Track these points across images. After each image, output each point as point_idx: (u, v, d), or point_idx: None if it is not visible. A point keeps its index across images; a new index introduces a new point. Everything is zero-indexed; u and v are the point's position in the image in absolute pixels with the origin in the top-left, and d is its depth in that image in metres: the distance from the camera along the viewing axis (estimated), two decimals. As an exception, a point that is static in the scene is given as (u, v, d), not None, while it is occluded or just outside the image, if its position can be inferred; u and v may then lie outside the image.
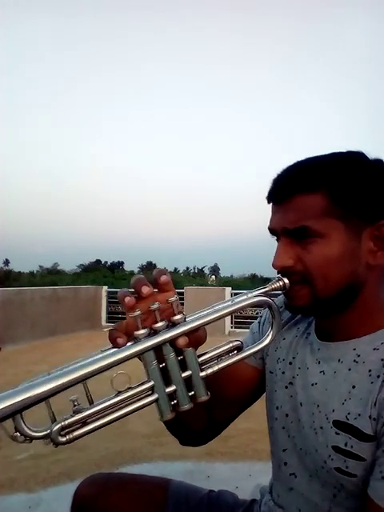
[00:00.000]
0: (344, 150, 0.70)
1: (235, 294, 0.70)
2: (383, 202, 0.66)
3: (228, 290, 7.89)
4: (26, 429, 0.54)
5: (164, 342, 0.59)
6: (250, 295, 0.66)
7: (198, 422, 0.83)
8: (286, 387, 0.76)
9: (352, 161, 0.68)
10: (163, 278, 0.61)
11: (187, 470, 2.33)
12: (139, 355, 0.58)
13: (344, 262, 0.65)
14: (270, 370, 0.81)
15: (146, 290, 0.59)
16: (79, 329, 7.67)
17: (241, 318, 8.00)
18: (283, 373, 0.77)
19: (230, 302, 0.65)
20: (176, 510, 0.86)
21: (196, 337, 0.62)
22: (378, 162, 0.69)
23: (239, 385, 0.84)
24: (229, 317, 7.78)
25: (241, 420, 0.90)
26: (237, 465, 2.43)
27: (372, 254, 0.66)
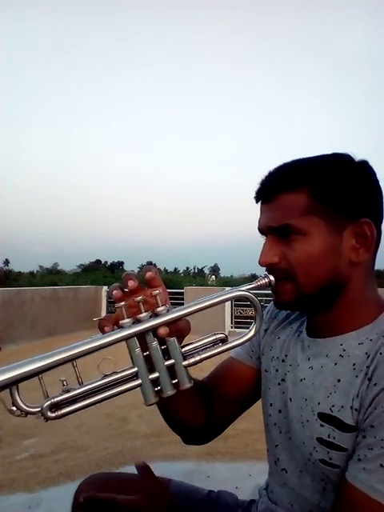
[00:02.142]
0: (330, 152, 0.71)
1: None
2: (365, 201, 0.68)
3: (227, 290, 7.86)
4: (21, 404, 0.60)
5: (145, 331, 0.64)
6: (232, 289, 0.69)
7: (196, 418, 0.84)
8: (279, 384, 0.78)
9: (335, 161, 0.70)
10: (148, 275, 0.66)
11: (187, 470, 2.33)
12: (122, 341, 0.63)
13: (325, 258, 0.67)
14: (265, 368, 0.83)
15: (131, 283, 0.64)
16: (79, 329, 7.65)
17: (241, 318, 8.01)
18: (276, 370, 0.79)
19: (212, 296, 0.68)
20: (176, 510, 0.86)
21: (176, 327, 0.65)
22: (362, 163, 0.70)
23: (238, 384, 0.86)
24: (229, 317, 7.81)
25: (240, 420, 0.91)
26: (237, 465, 2.42)
27: (354, 251, 0.68)
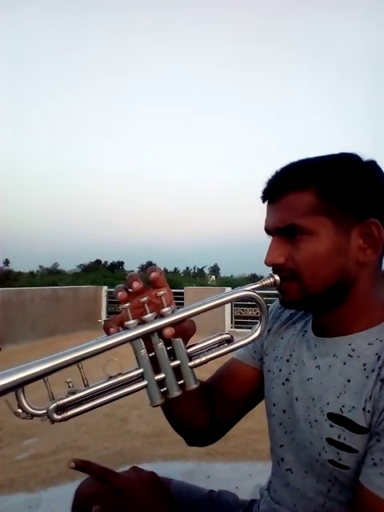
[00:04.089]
0: (338, 152, 0.71)
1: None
2: (373, 200, 0.68)
3: (228, 290, 7.85)
4: (27, 406, 0.60)
5: (151, 332, 0.64)
6: (237, 289, 0.69)
7: (199, 419, 0.84)
8: (283, 384, 0.77)
9: (343, 160, 0.70)
10: (153, 275, 0.65)
11: (187, 469, 2.33)
12: (128, 342, 0.63)
13: (332, 258, 0.66)
14: (268, 368, 0.82)
15: (136, 285, 0.64)
16: (79, 329, 7.65)
17: (241, 318, 8.00)
18: (280, 370, 0.79)
19: (218, 296, 0.68)
20: (177, 510, 0.86)
21: (182, 327, 0.65)
22: (370, 162, 0.70)
23: (241, 385, 0.86)
24: (229, 317, 7.80)
25: (241, 420, 0.91)
26: (237, 465, 2.43)
27: (362, 251, 0.67)
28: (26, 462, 2.47)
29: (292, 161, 0.71)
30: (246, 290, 0.68)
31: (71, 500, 0.87)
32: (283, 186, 0.69)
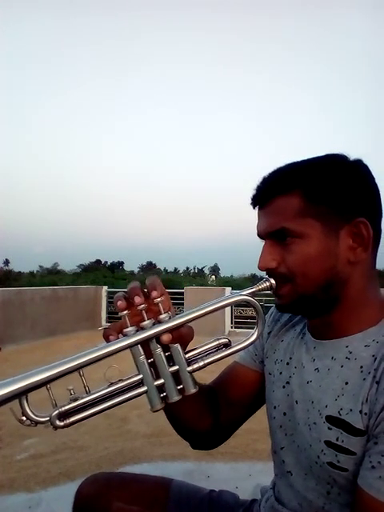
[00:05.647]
0: (324, 153, 0.71)
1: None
2: (360, 200, 0.68)
3: (228, 290, 7.84)
4: (30, 413, 0.61)
5: (149, 338, 0.65)
6: (234, 294, 0.69)
7: (203, 422, 0.84)
8: (284, 387, 0.78)
9: (328, 162, 0.70)
10: (154, 294, 0.65)
11: (187, 469, 2.33)
12: (126, 349, 0.64)
13: (323, 259, 0.67)
14: (268, 371, 0.83)
15: (138, 299, 0.64)
16: (79, 329, 7.66)
17: (241, 319, 8.01)
18: (281, 373, 0.79)
19: (214, 301, 0.68)
20: (177, 510, 0.86)
21: (179, 333, 0.66)
22: (357, 162, 0.70)
23: (244, 388, 0.86)
24: (229, 317, 7.80)
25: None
26: (237, 465, 2.42)
27: (352, 250, 0.68)
28: (25, 461, 2.47)
29: (278, 166, 0.72)
30: (242, 295, 0.69)
31: (71, 500, 0.87)
32: (270, 191, 0.70)
